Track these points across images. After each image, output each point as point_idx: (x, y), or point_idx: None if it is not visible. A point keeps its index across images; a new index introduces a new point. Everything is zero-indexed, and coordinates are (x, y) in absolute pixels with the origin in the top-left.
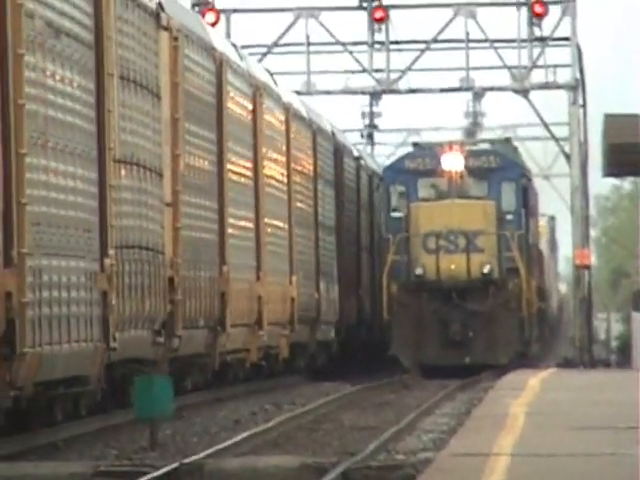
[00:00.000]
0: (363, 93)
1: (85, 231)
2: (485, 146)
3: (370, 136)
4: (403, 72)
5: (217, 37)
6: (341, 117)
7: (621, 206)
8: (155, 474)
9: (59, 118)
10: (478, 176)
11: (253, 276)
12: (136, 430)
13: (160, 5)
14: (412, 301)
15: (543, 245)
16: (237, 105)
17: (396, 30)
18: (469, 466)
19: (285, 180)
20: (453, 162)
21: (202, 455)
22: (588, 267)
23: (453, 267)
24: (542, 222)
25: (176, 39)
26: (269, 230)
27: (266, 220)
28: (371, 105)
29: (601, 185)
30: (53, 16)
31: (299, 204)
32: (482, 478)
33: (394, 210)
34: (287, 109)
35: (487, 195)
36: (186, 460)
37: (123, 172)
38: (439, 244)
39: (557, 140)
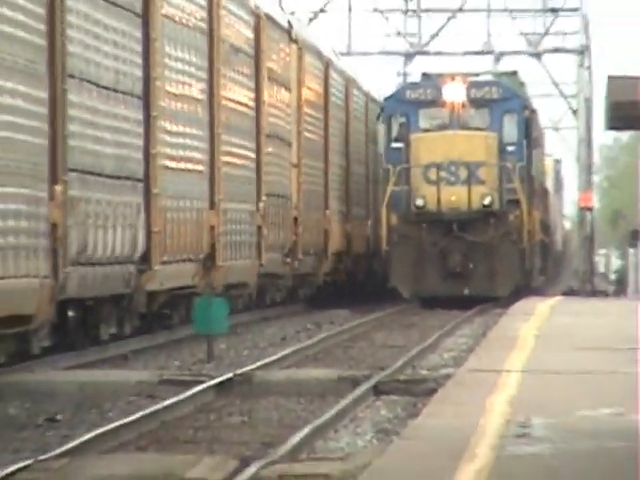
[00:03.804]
0: (398, 54)
1: (249, 184)
2: (488, 77)
3: None
4: (432, 37)
5: (323, 44)
6: (378, 78)
7: (620, 156)
8: (211, 383)
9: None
10: (480, 107)
11: (341, 217)
12: (195, 344)
13: (290, 24)
14: (412, 232)
15: (549, 183)
16: (336, 94)
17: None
18: (484, 380)
19: (344, 131)
20: (455, 93)
21: (252, 367)
22: (591, 209)
23: (454, 198)
24: (548, 162)
25: (300, 49)
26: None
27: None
28: (404, 66)
29: (604, 137)
30: (236, 41)
31: (336, 146)
32: (495, 391)
33: (395, 140)
34: (349, 80)
35: (489, 126)
36: (238, 371)
37: (270, 143)
38: (440, 175)
39: (566, 97)
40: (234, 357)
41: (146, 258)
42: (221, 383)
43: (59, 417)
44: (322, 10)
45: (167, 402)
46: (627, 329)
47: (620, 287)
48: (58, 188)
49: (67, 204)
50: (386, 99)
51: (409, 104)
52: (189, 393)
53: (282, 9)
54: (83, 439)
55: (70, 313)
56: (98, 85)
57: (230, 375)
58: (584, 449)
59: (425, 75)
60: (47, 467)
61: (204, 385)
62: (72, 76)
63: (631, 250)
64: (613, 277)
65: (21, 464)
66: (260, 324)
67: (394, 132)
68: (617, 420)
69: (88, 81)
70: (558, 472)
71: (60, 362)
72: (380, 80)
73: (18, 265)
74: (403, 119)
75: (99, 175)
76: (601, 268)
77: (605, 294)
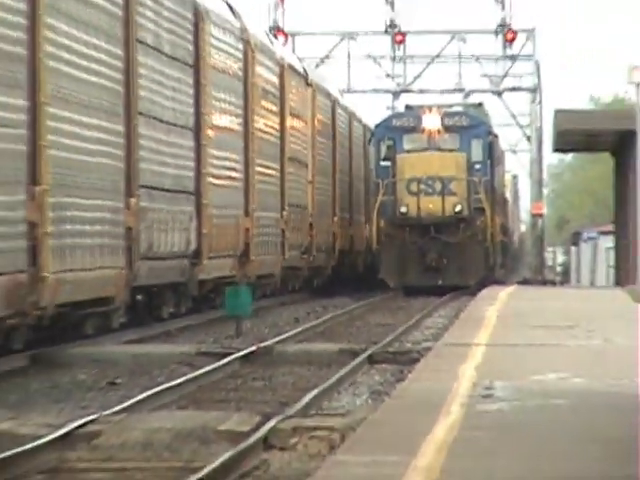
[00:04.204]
0: (387, 92)
1: (275, 197)
2: (458, 108)
3: None
4: (415, 78)
5: (331, 86)
6: (371, 110)
7: (565, 172)
8: (238, 354)
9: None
10: (452, 132)
11: (345, 222)
12: (226, 324)
13: (305, 71)
14: (397, 234)
15: (508, 194)
16: (341, 125)
17: (410, 48)
18: (457, 352)
19: (348, 155)
20: (432, 121)
21: (272, 342)
22: (541, 215)
23: (431, 206)
24: (508, 177)
25: (314, 91)
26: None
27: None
28: (393, 101)
29: (551, 157)
30: (265, 85)
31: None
32: (466, 360)
33: (383, 159)
34: (351, 114)
35: (459, 148)
36: (261, 344)
37: (291, 165)
38: (420, 187)
39: (521, 126)
40: (257, 334)
41: (197, 254)
42: (247, 354)
43: (118, 381)
44: (327, 56)
45: (203, 370)
46: (570, 311)
47: (564, 277)
48: (132, 200)
49: (138, 213)
50: (376, 126)
51: (395, 130)
52: (221, 362)
53: (297, 57)
54: (137, 399)
55: (139, 297)
56: (161, 121)
57: (254, 348)
58: (535, 405)
59: (408, 107)
60: (109, 420)
61: (233, 356)
62: (141, 114)
63: (573, 248)
64: (559, 269)
65: (89, 418)
66: (278, 307)
67: (383, 153)
68: (561, 383)
69: (153, 118)
70: (514, 423)
71: (121, 337)
72: (373, 112)
73: (104, 259)
74: (390, 142)
75: (161, 190)
76: (549, 262)
77: (553, 283)
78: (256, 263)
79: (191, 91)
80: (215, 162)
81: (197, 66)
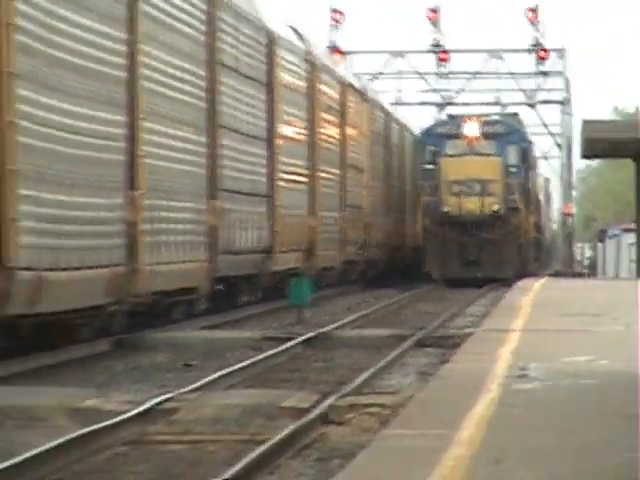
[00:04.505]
0: (433, 104)
1: (336, 199)
2: (496, 118)
3: None
4: (457, 92)
5: (384, 99)
6: (419, 121)
7: (591, 177)
8: (300, 339)
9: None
10: (490, 139)
11: (397, 221)
12: (288, 312)
13: (363, 88)
14: (439, 231)
15: (541, 195)
16: (394, 136)
17: (453, 65)
18: (495, 337)
19: (400, 161)
20: (472, 129)
21: (330, 327)
22: (571, 214)
23: (470, 206)
24: (540, 180)
25: (371, 106)
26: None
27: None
28: (438, 113)
29: (579, 163)
30: (328, 101)
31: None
32: (503, 344)
33: (428, 163)
34: (402, 125)
35: (496, 153)
36: (320, 330)
37: (350, 170)
38: (461, 189)
39: (552, 135)
40: (317, 320)
41: (270, 249)
42: (308, 339)
43: (193, 363)
44: (380, 73)
45: (269, 352)
46: (597, 300)
47: (591, 270)
48: (215, 202)
49: (220, 213)
50: (422, 133)
51: (439, 136)
52: (284, 346)
53: (356, 75)
54: (209, 378)
55: (219, 286)
56: (239, 132)
57: (314, 333)
58: (565, 385)
59: (450, 116)
60: (185, 398)
61: (295, 341)
62: (222, 127)
63: (599, 244)
64: (586, 263)
65: (166, 396)
66: (335, 297)
67: (427, 157)
68: (589, 364)
69: (233, 130)
70: (546, 401)
71: (197, 323)
72: (421, 122)
73: (190, 254)
74: (434, 147)
75: (239, 193)
76: (578, 257)
77: (581, 275)
78: (320, 257)
79: (264, 106)
80: (285, 168)
81: (269, 84)
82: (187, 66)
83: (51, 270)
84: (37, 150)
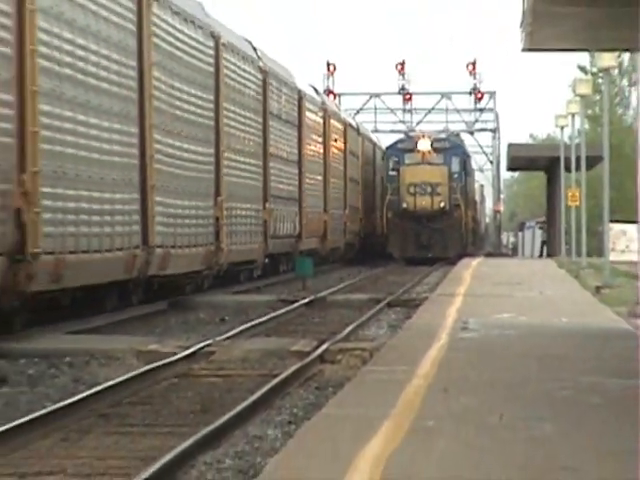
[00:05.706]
0: (400, 132)
1: (342, 201)
2: (443, 136)
3: None
4: (418, 123)
5: (371, 134)
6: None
7: (514, 184)
8: (303, 301)
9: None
10: (438, 152)
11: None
12: (296, 282)
13: (358, 126)
14: (399, 222)
15: (477, 197)
16: (378, 157)
17: (415, 103)
18: (445, 300)
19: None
20: (424, 144)
21: (325, 293)
22: (499, 211)
23: (424, 203)
24: (476, 185)
25: (363, 139)
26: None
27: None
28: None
29: (506, 174)
30: (336, 136)
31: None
32: (452, 304)
33: (391, 170)
34: (373, 143)
35: (443, 163)
36: (318, 295)
37: (350, 182)
38: (416, 190)
39: (486, 154)
40: (316, 288)
41: (299, 235)
42: (309, 302)
43: (226, 318)
44: (362, 108)
45: (281, 311)
46: (518, 273)
47: (514, 252)
48: (267, 204)
49: (269, 211)
50: (387, 148)
51: (400, 150)
52: (292, 307)
53: (354, 119)
54: (238, 329)
55: (267, 260)
56: (280, 158)
57: (313, 297)
58: (495, 334)
59: (408, 135)
60: (220, 344)
61: (300, 302)
62: (271, 154)
63: (519, 233)
64: (510, 246)
65: (206, 342)
66: (331, 271)
67: (391, 165)
68: (512, 320)
69: (277, 157)
70: (481, 345)
71: (229, 289)
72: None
73: (252, 238)
74: (396, 158)
75: (280, 198)
76: (504, 242)
77: (506, 255)
78: (330, 241)
79: (296, 140)
80: (309, 181)
81: (299, 126)
82: (252, 116)
83: (173, 247)
84: (166, 174)
